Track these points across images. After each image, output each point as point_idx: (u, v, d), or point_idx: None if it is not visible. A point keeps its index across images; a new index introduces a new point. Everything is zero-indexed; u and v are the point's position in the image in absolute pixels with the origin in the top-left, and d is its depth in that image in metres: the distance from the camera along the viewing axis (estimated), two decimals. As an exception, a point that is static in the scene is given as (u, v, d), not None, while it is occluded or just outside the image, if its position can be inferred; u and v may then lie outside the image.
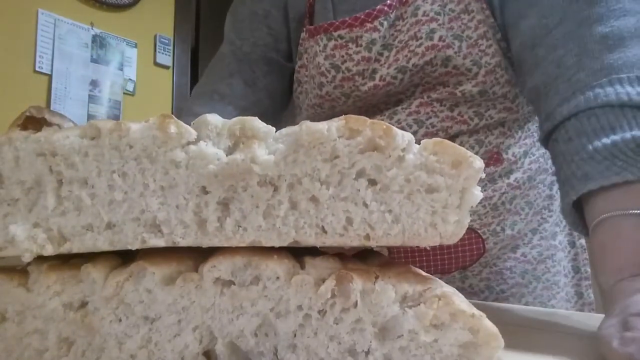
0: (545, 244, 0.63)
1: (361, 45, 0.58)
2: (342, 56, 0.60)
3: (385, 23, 0.56)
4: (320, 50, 0.61)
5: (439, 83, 0.58)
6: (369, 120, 0.23)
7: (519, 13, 0.49)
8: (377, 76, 0.59)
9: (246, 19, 0.72)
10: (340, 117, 0.24)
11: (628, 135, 0.35)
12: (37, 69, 1.84)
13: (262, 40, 0.71)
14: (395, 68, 0.57)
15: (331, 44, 0.60)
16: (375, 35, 0.57)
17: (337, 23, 0.59)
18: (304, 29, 0.65)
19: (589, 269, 0.66)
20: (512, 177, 0.60)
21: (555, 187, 0.64)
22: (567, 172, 0.38)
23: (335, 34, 0.59)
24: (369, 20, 0.57)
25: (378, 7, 0.57)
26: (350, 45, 0.59)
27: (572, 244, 0.67)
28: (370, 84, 0.59)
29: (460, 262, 0.61)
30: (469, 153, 0.24)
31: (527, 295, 0.61)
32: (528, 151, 0.61)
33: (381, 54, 0.58)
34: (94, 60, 2.02)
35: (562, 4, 0.43)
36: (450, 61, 0.55)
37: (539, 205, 0.62)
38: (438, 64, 0.56)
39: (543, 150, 0.63)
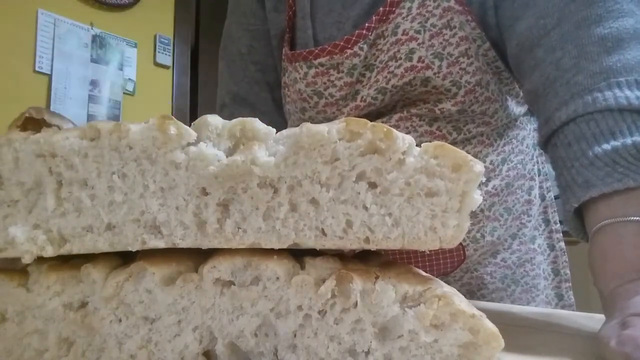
0: (524, 248, 0.63)
1: (343, 72, 0.57)
2: (325, 83, 0.59)
3: (365, 46, 0.55)
4: (300, 78, 0.60)
5: (419, 100, 0.57)
6: (369, 123, 0.23)
7: (514, 15, 0.48)
8: (359, 97, 0.58)
9: (236, 58, 0.73)
10: (341, 119, 0.24)
11: (628, 140, 0.35)
12: (37, 69, 1.84)
13: (253, 79, 0.72)
14: (376, 89, 0.57)
15: (312, 71, 0.59)
16: (356, 60, 0.56)
17: (316, 51, 0.58)
18: (284, 50, 0.64)
19: (568, 272, 0.66)
20: (490, 185, 0.60)
21: (534, 192, 0.65)
22: (568, 178, 0.38)
23: (316, 62, 0.58)
24: (349, 46, 0.56)
25: (357, 32, 0.55)
26: (331, 72, 0.58)
27: (552, 247, 0.67)
28: (352, 104, 0.59)
29: (442, 269, 0.61)
30: (469, 157, 0.24)
31: (506, 299, 0.62)
32: (506, 158, 0.61)
33: (363, 75, 0.58)
34: (94, 60, 2.02)
35: (559, 5, 0.43)
36: (429, 82, 0.55)
37: (518, 211, 0.63)
38: (417, 84, 0.55)
39: (522, 156, 0.63)
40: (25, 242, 0.24)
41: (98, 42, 2.04)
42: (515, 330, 0.37)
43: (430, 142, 0.24)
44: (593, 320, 0.39)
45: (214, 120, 0.24)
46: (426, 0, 0.53)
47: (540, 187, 0.68)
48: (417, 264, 0.60)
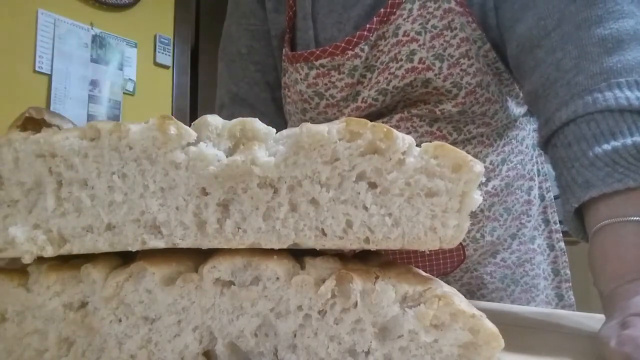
0: (524, 248, 0.63)
1: (344, 73, 0.57)
2: (325, 84, 0.59)
3: (366, 48, 0.55)
4: (301, 79, 0.60)
5: (419, 100, 0.57)
6: (369, 123, 0.23)
7: (515, 16, 0.48)
8: (360, 98, 0.58)
9: (236, 59, 0.73)
10: (341, 119, 0.24)
11: (629, 141, 0.35)
12: (37, 69, 1.84)
13: (253, 79, 0.72)
14: (376, 90, 0.57)
15: (313, 72, 0.59)
16: (357, 61, 0.56)
17: (317, 52, 0.58)
18: (284, 50, 0.64)
19: (568, 272, 0.67)
20: (490, 185, 0.60)
21: (533, 192, 0.65)
22: (568, 178, 0.38)
23: (317, 62, 0.58)
24: (350, 47, 0.56)
25: (358, 33, 0.55)
26: (332, 72, 0.58)
27: (552, 247, 0.67)
28: (353, 105, 0.59)
29: (442, 269, 0.61)
30: (469, 157, 0.24)
31: (506, 299, 0.62)
32: (506, 158, 0.62)
33: (364, 76, 0.58)
34: (94, 60, 2.02)
35: (559, 6, 0.43)
36: (430, 83, 0.55)
37: (518, 211, 0.63)
38: (418, 86, 0.55)
39: (521, 156, 0.63)
40: (25, 242, 0.24)
41: (98, 42, 2.04)
42: (515, 330, 0.37)
43: (430, 142, 0.24)
44: (593, 320, 0.40)
45: (214, 120, 0.24)
46: (427, 1, 0.53)
47: (540, 188, 0.68)
48: (417, 264, 0.60)
